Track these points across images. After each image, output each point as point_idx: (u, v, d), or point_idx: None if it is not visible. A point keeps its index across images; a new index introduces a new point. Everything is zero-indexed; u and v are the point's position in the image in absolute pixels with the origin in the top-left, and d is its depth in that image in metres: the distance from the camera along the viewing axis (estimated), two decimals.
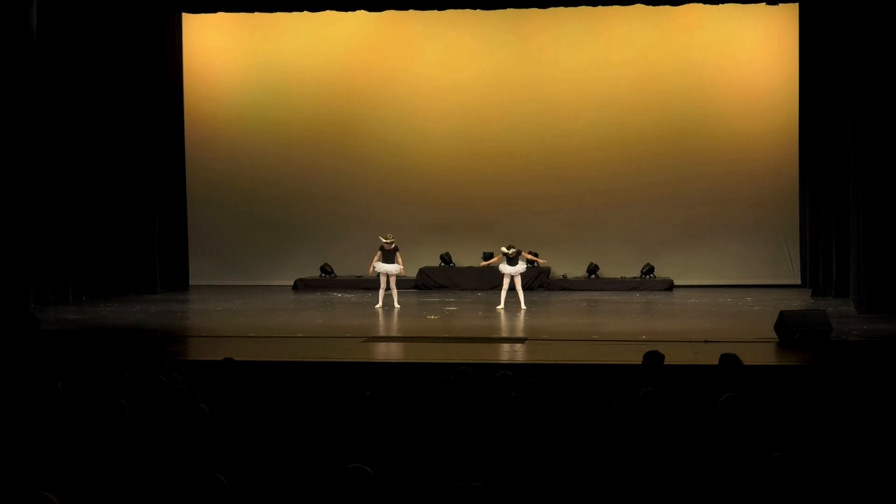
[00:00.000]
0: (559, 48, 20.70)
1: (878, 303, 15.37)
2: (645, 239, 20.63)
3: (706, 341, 12.52)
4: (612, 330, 14.43)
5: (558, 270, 20.60)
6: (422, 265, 20.50)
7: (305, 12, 19.10)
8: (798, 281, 19.74)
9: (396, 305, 17.21)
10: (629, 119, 20.54)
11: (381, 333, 15.00)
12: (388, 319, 16.27)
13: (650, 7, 18.40)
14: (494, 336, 14.46)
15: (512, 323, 15.81)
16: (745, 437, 6.20)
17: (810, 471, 5.26)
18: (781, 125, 19.93)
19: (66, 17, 17.79)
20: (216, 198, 21.42)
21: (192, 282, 21.28)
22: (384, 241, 17.12)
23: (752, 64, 20.30)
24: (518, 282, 17.08)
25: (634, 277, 20.38)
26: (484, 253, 19.74)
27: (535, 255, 18.15)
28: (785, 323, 12.67)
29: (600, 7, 18.58)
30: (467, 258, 20.55)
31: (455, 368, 8.15)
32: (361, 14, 19.30)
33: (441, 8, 18.57)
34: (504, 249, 17.14)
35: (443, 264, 20.84)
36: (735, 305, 17.34)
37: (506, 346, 13.57)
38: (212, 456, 5.63)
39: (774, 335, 12.76)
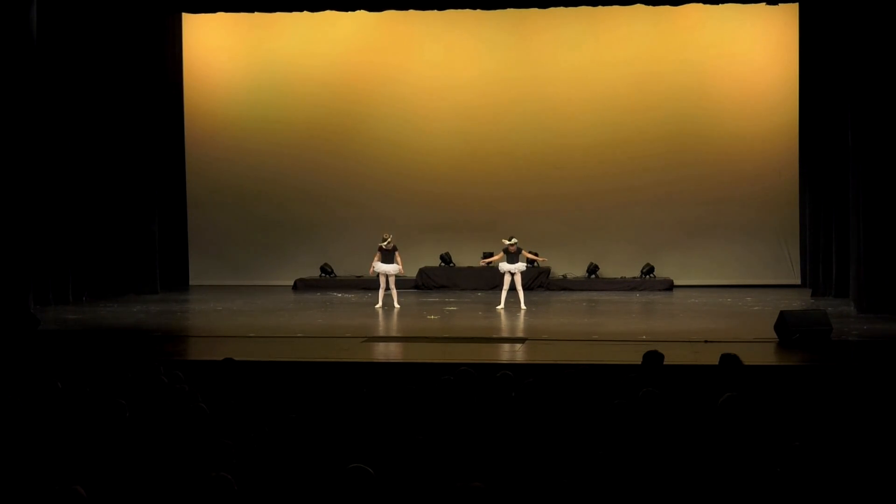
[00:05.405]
0: (559, 48, 20.68)
1: (878, 303, 15.36)
2: (645, 239, 20.61)
3: (706, 341, 12.52)
4: (612, 330, 14.42)
5: (558, 270, 20.60)
6: (422, 265, 20.50)
7: (305, 12, 19.09)
8: (798, 281, 19.73)
9: (396, 305, 17.22)
10: (629, 119, 20.53)
11: (381, 333, 14.99)
12: (388, 319, 16.27)
13: (650, 7, 18.38)
14: (494, 336, 14.45)
15: (512, 323, 15.80)
16: (745, 437, 6.20)
17: (810, 471, 5.26)
18: (781, 125, 19.92)
19: (66, 17, 17.78)
20: (216, 198, 21.41)
21: (192, 282, 21.28)
22: (382, 244, 17.14)
23: (752, 64, 20.28)
24: (518, 280, 17.08)
25: (634, 277, 20.37)
26: (484, 253, 19.74)
27: (536, 254, 18.14)
28: (785, 323, 12.67)
29: (600, 7, 18.56)
30: (467, 258, 20.54)
31: (455, 368, 8.15)
32: (361, 14, 19.29)
33: (441, 8, 18.56)
34: (505, 241, 17.12)
35: (443, 264, 20.83)
36: (735, 305, 17.33)
37: (506, 346, 13.56)
38: (212, 455, 5.63)
39: (774, 335, 12.75)
